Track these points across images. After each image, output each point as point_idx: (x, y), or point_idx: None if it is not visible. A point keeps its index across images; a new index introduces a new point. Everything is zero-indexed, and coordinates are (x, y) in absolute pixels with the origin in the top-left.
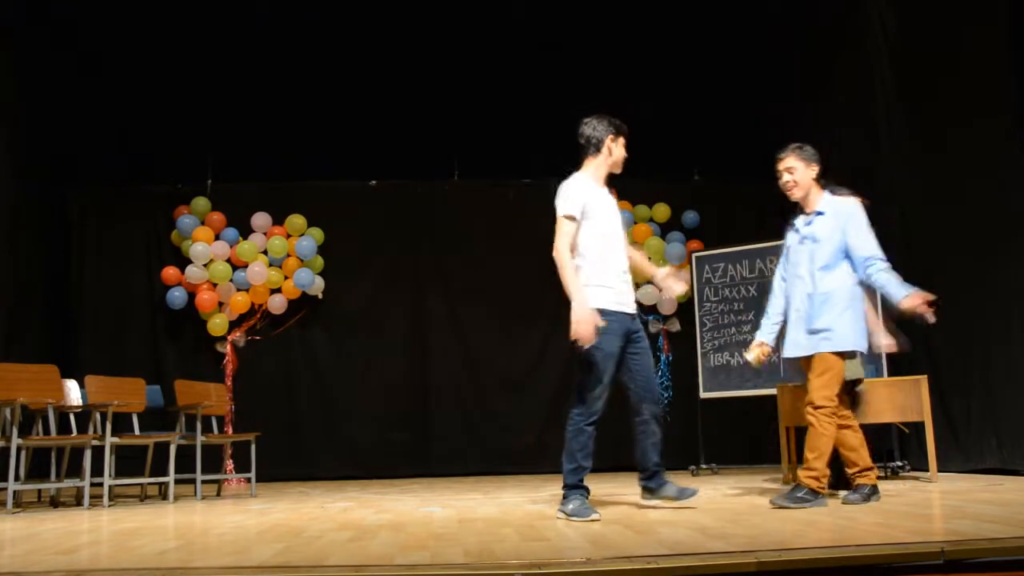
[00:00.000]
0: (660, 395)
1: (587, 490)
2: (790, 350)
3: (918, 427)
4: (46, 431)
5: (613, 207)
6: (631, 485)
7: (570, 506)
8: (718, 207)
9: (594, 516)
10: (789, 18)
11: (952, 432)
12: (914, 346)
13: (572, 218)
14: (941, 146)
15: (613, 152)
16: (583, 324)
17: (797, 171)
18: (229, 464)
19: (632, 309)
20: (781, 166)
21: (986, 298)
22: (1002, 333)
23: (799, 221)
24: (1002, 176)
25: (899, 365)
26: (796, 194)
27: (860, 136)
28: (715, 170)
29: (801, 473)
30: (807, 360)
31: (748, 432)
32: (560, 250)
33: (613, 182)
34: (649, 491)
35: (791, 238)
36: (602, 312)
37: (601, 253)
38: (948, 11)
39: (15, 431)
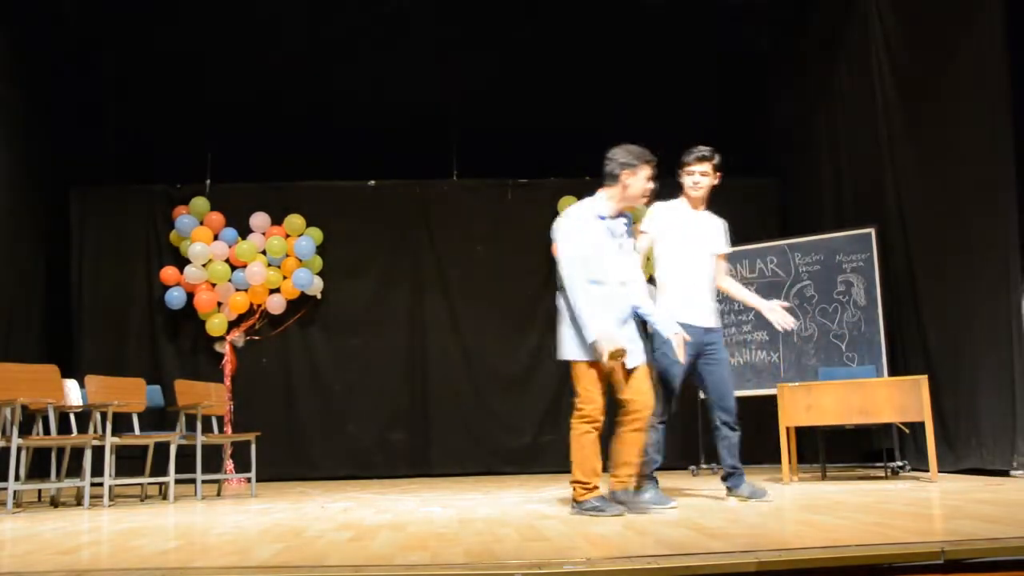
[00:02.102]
0: (732, 404)
1: (656, 480)
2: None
3: (917, 427)
4: (46, 431)
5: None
6: None
7: (647, 495)
8: (717, 208)
9: (671, 505)
10: (790, 19)
11: (942, 432)
12: (912, 346)
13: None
14: (940, 149)
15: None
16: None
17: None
18: (229, 464)
19: (701, 323)
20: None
21: (980, 299)
22: (990, 334)
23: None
24: (1000, 179)
25: (898, 364)
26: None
27: (860, 137)
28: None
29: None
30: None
31: (748, 432)
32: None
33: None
34: (728, 489)
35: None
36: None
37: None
38: (947, 13)
39: (15, 431)
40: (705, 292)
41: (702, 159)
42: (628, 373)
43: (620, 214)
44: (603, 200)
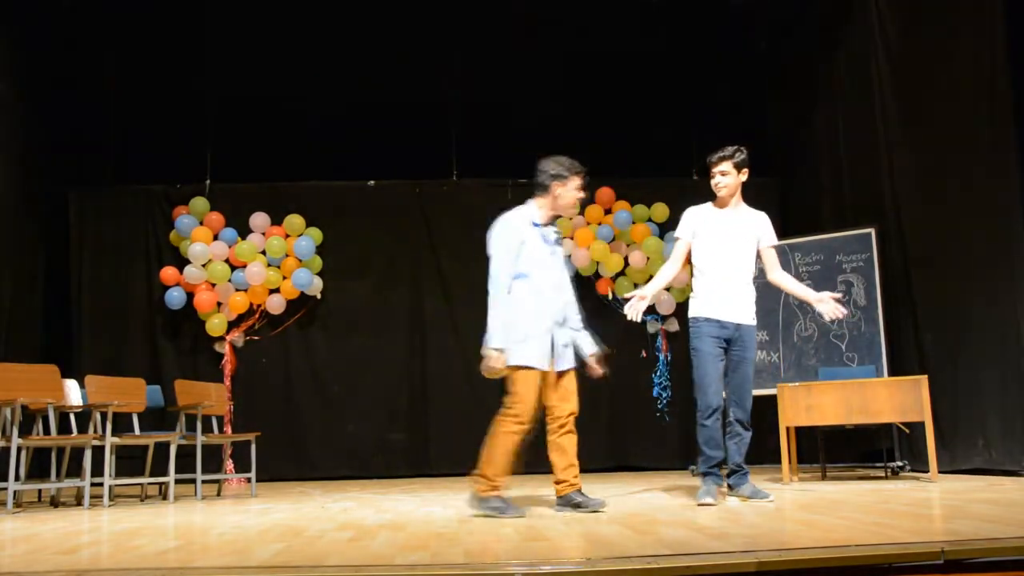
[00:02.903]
0: (749, 403)
1: (719, 477)
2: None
3: (917, 427)
4: (46, 431)
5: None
6: (630, 485)
7: (699, 491)
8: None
9: (707, 500)
10: (789, 20)
11: (941, 432)
12: (912, 346)
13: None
14: (941, 150)
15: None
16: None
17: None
18: (229, 464)
19: (725, 317)
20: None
21: (985, 298)
22: (995, 333)
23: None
24: (1000, 179)
25: (900, 365)
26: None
27: (860, 137)
28: None
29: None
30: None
31: None
32: None
33: (612, 181)
34: (730, 487)
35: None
36: (694, 320)
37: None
38: (946, 14)
39: (15, 431)
40: (737, 288)
41: (720, 159)
42: (558, 378)
43: (551, 223)
44: (535, 209)
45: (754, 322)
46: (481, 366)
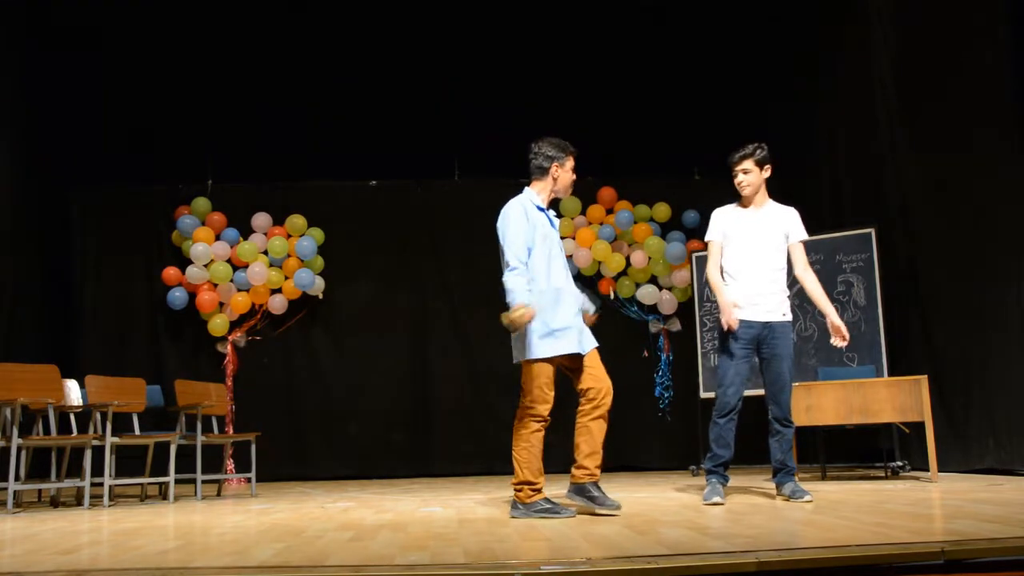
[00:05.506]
0: (785, 399)
1: (723, 476)
2: None
3: (918, 427)
4: (46, 431)
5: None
6: (631, 485)
7: (705, 491)
8: (719, 207)
9: (715, 500)
10: (790, 19)
11: (951, 432)
12: (915, 346)
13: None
14: (943, 149)
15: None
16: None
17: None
18: (229, 464)
19: (752, 317)
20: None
21: (992, 297)
22: (1002, 334)
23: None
24: (1003, 178)
25: (900, 364)
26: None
27: (860, 137)
28: (715, 170)
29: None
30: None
31: (748, 432)
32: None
33: (613, 180)
34: (776, 487)
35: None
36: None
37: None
38: (948, 12)
39: (15, 431)
40: (765, 286)
41: (742, 158)
42: (580, 361)
43: (550, 207)
44: (535, 193)
45: (787, 318)
46: (505, 317)
